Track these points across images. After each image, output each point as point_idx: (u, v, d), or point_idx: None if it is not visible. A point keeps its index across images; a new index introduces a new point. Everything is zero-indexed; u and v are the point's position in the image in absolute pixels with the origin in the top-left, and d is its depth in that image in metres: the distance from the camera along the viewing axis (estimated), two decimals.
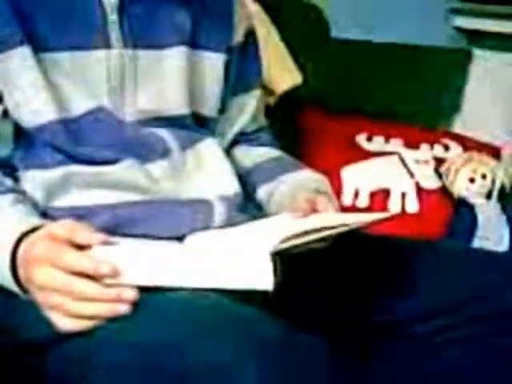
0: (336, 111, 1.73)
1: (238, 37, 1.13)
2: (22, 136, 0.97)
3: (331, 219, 0.92)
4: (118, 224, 0.94)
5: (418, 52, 2.10)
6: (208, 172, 1.04)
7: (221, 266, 0.78)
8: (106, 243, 0.80)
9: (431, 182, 1.52)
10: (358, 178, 1.51)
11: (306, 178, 1.12)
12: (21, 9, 0.94)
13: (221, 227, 0.98)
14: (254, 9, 1.52)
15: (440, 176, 1.57)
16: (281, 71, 1.57)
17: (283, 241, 0.80)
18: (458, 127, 1.99)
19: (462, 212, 1.49)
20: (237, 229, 0.97)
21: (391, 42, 2.09)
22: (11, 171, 0.97)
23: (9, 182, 0.95)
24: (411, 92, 1.99)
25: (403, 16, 2.18)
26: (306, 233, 0.84)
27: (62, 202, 0.95)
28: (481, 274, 1.00)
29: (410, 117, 1.86)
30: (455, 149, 1.69)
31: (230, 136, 1.16)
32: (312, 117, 1.68)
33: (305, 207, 0.98)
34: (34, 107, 0.95)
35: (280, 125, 1.38)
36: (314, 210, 0.99)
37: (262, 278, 0.75)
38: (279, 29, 1.71)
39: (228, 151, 1.15)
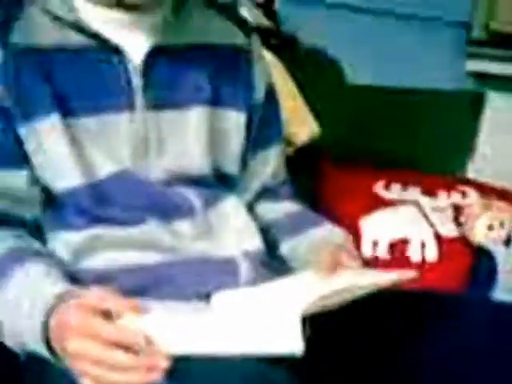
0: (352, 159, 1.74)
1: (259, 94, 1.15)
2: (50, 199, 0.99)
3: (358, 278, 0.92)
4: (144, 285, 0.96)
5: (432, 96, 2.12)
6: (232, 229, 1.05)
7: (250, 332, 0.79)
8: (135, 310, 0.81)
9: (450, 230, 1.52)
10: (377, 227, 1.51)
11: (328, 233, 1.13)
12: (49, 75, 0.97)
13: (247, 285, 0.99)
14: (271, 60, 1.54)
15: (459, 223, 1.57)
16: (299, 123, 1.59)
17: (312, 304, 0.81)
18: (472, 171, 2.00)
19: (482, 259, 1.49)
20: (263, 288, 0.97)
21: (405, 86, 2.11)
22: (39, 234, 0.99)
23: (37, 244, 0.97)
24: (426, 136, 2.00)
25: (416, 60, 2.21)
26: (335, 293, 0.85)
27: (89, 263, 0.97)
28: (502, 328, 1.00)
29: (426, 161, 1.87)
30: (472, 195, 1.70)
31: (252, 192, 1.18)
32: (329, 166, 1.69)
33: (329, 265, 0.99)
34: (61, 172, 0.97)
35: (297, 174, 1.39)
36: (338, 267, 0.99)
37: (292, 343, 0.76)
38: (293, 76, 1.73)
39: (250, 206, 1.16)
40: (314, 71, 1.85)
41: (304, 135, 1.60)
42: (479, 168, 2.01)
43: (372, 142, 1.87)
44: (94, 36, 0.99)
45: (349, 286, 0.88)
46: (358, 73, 2.01)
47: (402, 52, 2.19)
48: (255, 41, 1.17)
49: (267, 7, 1.75)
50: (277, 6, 1.79)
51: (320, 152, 1.66)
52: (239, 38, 1.13)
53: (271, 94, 1.19)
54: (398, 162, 1.81)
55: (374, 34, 2.15)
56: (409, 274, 0.97)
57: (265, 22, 1.72)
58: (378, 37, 2.15)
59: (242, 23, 1.16)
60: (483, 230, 1.51)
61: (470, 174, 2.00)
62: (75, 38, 0.99)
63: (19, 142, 0.96)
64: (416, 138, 2.00)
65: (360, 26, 2.15)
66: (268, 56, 1.51)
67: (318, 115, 1.74)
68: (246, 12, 1.65)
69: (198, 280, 0.97)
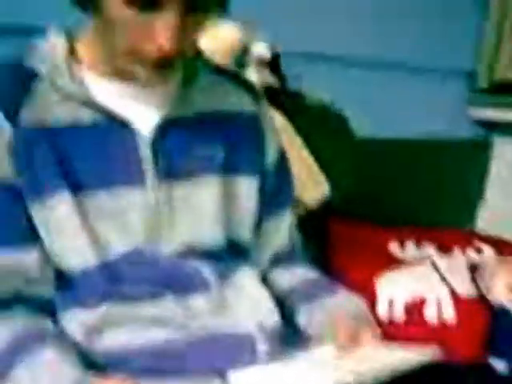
0: (364, 216, 1.73)
1: (270, 159, 1.15)
2: (63, 278, 0.98)
3: (379, 358, 0.91)
4: (159, 361, 0.94)
5: (439, 146, 2.12)
6: (247, 303, 1.04)
7: None
8: None
9: (467, 289, 1.50)
10: (392, 287, 1.49)
11: (344, 302, 1.11)
12: (60, 151, 0.97)
13: (264, 362, 0.97)
14: (279, 121, 1.54)
15: (475, 282, 1.54)
16: (309, 184, 1.58)
17: None
18: (481, 221, 1.99)
19: (501, 319, 1.46)
20: (282, 365, 0.96)
21: (411, 137, 2.11)
22: (52, 313, 0.98)
23: (50, 324, 0.96)
24: (433, 187, 1.99)
25: (422, 110, 2.22)
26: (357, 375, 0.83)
27: (103, 342, 0.95)
28: None
29: (434, 213, 1.86)
30: (488, 251, 1.68)
31: (265, 260, 1.16)
32: (339, 224, 1.68)
33: (347, 340, 0.98)
34: (73, 250, 0.96)
35: (307, 234, 1.38)
36: (356, 341, 0.98)
37: None
38: (300, 132, 1.73)
39: (264, 274, 1.15)
40: (320, 125, 1.84)
41: (315, 197, 1.59)
42: (488, 219, 1.99)
43: (380, 196, 1.86)
44: (104, 111, 0.99)
45: (370, 367, 0.87)
46: (364, 125, 2.01)
47: (407, 102, 2.20)
48: (265, 107, 1.17)
49: (273, 64, 1.75)
50: (283, 62, 1.80)
51: (329, 210, 1.65)
52: (249, 105, 1.13)
53: (282, 158, 1.18)
54: (408, 215, 1.80)
55: (379, 85, 2.16)
56: (430, 352, 0.96)
57: (271, 80, 1.73)
58: (383, 88, 2.16)
59: (251, 89, 1.16)
60: (502, 289, 1.49)
61: (480, 224, 1.98)
62: (85, 114, 0.99)
63: (31, 221, 0.95)
64: (423, 190, 1.99)
65: (365, 78, 2.16)
66: (277, 117, 1.50)
67: (326, 170, 1.74)
68: (254, 71, 1.65)
69: (213, 357, 0.96)
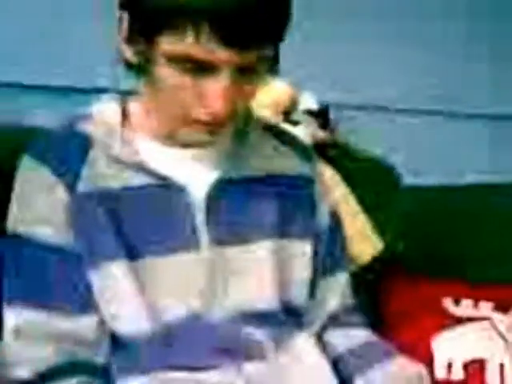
0: (415, 269, 1.69)
1: (323, 221, 1.13)
2: (118, 343, 0.97)
3: None
4: None
5: (486, 190, 2.07)
6: (304, 369, 1.02)
7: None
8: None
9: None
10: (450, 347, 1.45)
11: (402, 369, 1.09)
12: (115, 218, 0.97)
13: None
14: (330, 176, 1.52)
15: None
16: (361, 241, 1.56)
17: None
18: None
19: None
20: None
21: (460, 183, 2.07)
22: (107, 378, 0.97)
23: None
24: (490, 236, 1.93)
25: (468, 153, 2.19)
26: None
27: None
28: None
29: (492, 265, 1.81)
30: None
31: (320, 322, 1.14)
32: (392, 280, 1.64)
33: None
34: (129, 317, 0.96)
35: (360, 291, 1.35)
36: None
37: None
38: (347, 184, 1.71)
39: (319, 336, 1.12)
40: (367, 175, 1.82)
41: (367, 254, 1.57)
42: None
43: (432, 247, 1.81)
44: (157, 175, 0.99)
45: None
46: (412, 172, 1.99)
47: (449, 148, 2.18)
48: (318, 168, 1.16)
49: (322, 115, 1.75)
50: (331, 114, 1.80)
51: (380, 265, 1.62)
52: (302, 167, 1.12)
53: (335, 219, 1.17)
54: (462, 268, 1.75)
55: (420, 133, 2.13)
56: None
57: (321, 133, 1.72)
58: (425, 135, 2.15)
59: (304, 151, 1.15)
60: None
61: None
62: (138, 179, 0.99)
63: (88, 287, 0.96)
64: (478, 241, 1.94)
65: (412, 125, 2.15)
66: (328, 172, 1.48)
67: (374, 223, 1.71)
68: (304, 128, 1.64)
69: None
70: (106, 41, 1.35)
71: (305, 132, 1.61)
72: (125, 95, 1.05)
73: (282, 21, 0.91)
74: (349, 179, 1.69)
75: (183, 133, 0.96)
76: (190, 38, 0.87)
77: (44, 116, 1.39)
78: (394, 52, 2.10)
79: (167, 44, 0.89)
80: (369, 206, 1.67)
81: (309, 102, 1.72)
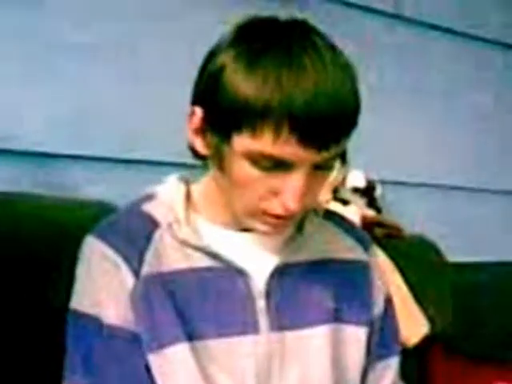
0: (464, 349, 1.67)
1: (378, 307, 1.13)
2: None
3: None
4: None
5: None
6: None
7: None
8: None
9: None
10: None
11: None
12: (176, 299, 0.98)
13: None
14: (383, 260, 1.52)
15: None
16: (410, 324, 1.55)
17: None
18: None
19: None
20: None
21: (503, 260, 2.06)
22: None
23: None
24: None
25: None
26: None
27: None
28: None
29: None
30: None
31: None
32: (441, 361, 1.63)
33: None
34: None
35: (408, 372, 1.34)
36: None
37: None
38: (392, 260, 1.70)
39: None
40: (412, 254, 1.82)
41: (416, 337, 1.55)
42: None
43: (481, 327, 1.80)
44: (218, 258, 1.00)
45: None
46: (457, 250, 1.98)
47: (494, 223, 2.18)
48: (374, 254, 1.16)
49: (368, 194, 1.76)
50: (378, 192, 1.81)
51: (428, 346, 1.60)
52: (359, 253, 1.12)
53: (389, 304, 1.16)
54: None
55: (463, 209, 2.15)
56: None
57: (369, 212, 1.73)
58: (468, 212, 2.15)
59: (360, 236, 1.15)
60: None
61: None
62: (202, 262, 1.00)
63: (147, 369, 0.96)
64: None
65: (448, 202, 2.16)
66: (380, 256, 1.48)
67: (420, 303, 1.69)
68: (354, 205, 1.65)
69: None
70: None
71: (355, 211, 1.62)
72: (188, 177, 1.07)
73: (357, 117, 0.92)
74: (393, 257, 1.69)
75: (249, 222, 0.97)
76: (268, 138, 0.87)
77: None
78: (433, 130, 2.13)
79: (244, 142, 0.90)
80: (413, 284, 1.66)
81: (357, 179, 1.74)
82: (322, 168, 0.93)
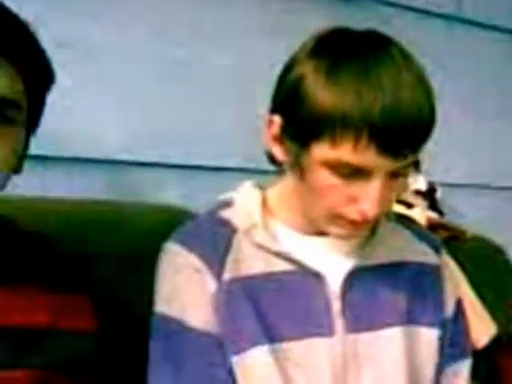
0: None
1: (449, 309, 1.14)
2: None
3: None
4: None
5: None
6: None
7: None
8: None
9: None
10: None
11: None
12: (256, 303, 1.01)
13: None
14: (453, 266, 1.53)
15: None
16: (478, 325, 1.55)
17: None
18: None
19: None
20: None
21: None
22: None
23: None
24: None
25: None
26: None
27: None
28: None
29: None
30: None
31: None
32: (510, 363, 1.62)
33: None
34: None
35: (478, 375, 1.34)
36: None
37: None
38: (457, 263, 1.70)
39: None
40: (476, 257, 1.81)
41: (483, 339, 1.55)
42: None
43: None
44: (296, 262, 1.03)
45: None
46: None
47: None
48: (445, 257, 1.18)
49: (430, 196, 1.77)
50: (439, 194, 1.82)
51: (497, 348, 1.59)
52: (430, 256, 1.14)
53: (459, 307, 1.18)
54: None
55: None
56: None
57: (432, 215, 1.74)
58: None
59: (431, 240, 1.17)
60: None
61: None
62: (279, 265, 1.03)
63: (230, 372, 0.99)
64: None
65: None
66: (451, 262, 1.49)
67: (486, 305, 1.69)
68: (419, 208, 1.66)
69: None
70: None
71: (420, 215, 1.63)
72: (263, 183, 1.10)
73: (433, 125, 0.94)
74: (459, 260, 1.69)
75: (326, 227, 1.00)
76: (348, 147, 0.90)
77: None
78: (490, 128, 2.11)
79: (323, 150, 0.92)
80: (480, 287, 1.66)
81: (418, 182, 1.75)
82: (397, 175, 0.95)
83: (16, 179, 0.90)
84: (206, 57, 1.56)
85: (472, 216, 2.03)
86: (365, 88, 0.89)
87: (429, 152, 1.00)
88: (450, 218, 1.90)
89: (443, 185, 1.91)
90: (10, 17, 0.85)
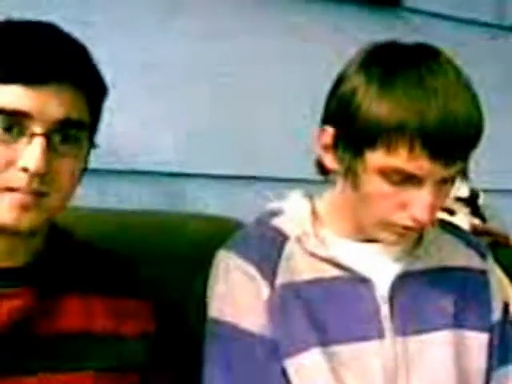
0: None
1: (497, 313, 1.16)
2: None
3: None
4: None
5: None
6: None
7: None
8: None
9: None
10: None
11: None
12: (308, 308, 1.03)
13: None
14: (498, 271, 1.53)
15: None
16: None
17: None
18: None
19: None
20: None
21: None
22: None
23: None
24: None
25: None
26: None
27: None
28: None
29: None
30: None
31: None
32: None
33: None
34: None
35: None
36: None
37: None
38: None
39: None
40: None
41: None
42: None
43: None
44: (346, 268, 1.06)
45: None
46: None
47: None
48: (491, 262, 1.20)
49: (472, 203, 1.77)
50: (481, 201, 1.82)
51: None
52: (477, 262, 1.16)
53: (506, 310, 1.19)
54: None
55: None
56: None
57: (475, 221, 1.74)
58: None
59: (477, 246, 1.19)
60: None
61: None
62: (330, 272, 1.06)
63: (284, 375, 1.01)
64: None
65: None
66: (496, 267, 1.49)
67: None
68: (462, 215, 1.67)
69: None
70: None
71: (463, 221, 1.64)
72: (311, 193, 1.13)
73: (481, 133, 0.97)
74: (503, 265, 1.69)
75: (377, 233, 1.03)
76: (402, 154, 0.93)
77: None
78: None
79: (378, 157, 0.96)
80: None
81: (460, 189, 1.75)
82: (446, 182, 0.98)
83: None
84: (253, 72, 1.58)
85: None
86: (418, 97, 0.93)
87: (474, 159, 1.02)
88: (493, 224, 1.89)
89: (486, 191, 1.91)
90: (68, 41, 0.89)
